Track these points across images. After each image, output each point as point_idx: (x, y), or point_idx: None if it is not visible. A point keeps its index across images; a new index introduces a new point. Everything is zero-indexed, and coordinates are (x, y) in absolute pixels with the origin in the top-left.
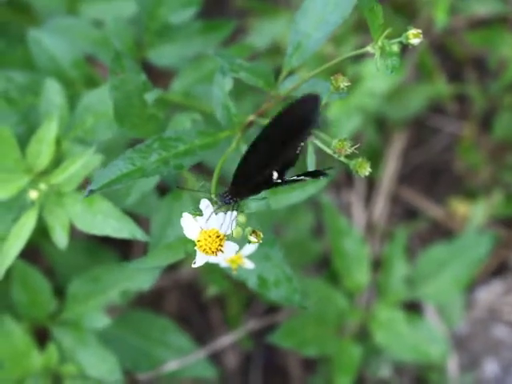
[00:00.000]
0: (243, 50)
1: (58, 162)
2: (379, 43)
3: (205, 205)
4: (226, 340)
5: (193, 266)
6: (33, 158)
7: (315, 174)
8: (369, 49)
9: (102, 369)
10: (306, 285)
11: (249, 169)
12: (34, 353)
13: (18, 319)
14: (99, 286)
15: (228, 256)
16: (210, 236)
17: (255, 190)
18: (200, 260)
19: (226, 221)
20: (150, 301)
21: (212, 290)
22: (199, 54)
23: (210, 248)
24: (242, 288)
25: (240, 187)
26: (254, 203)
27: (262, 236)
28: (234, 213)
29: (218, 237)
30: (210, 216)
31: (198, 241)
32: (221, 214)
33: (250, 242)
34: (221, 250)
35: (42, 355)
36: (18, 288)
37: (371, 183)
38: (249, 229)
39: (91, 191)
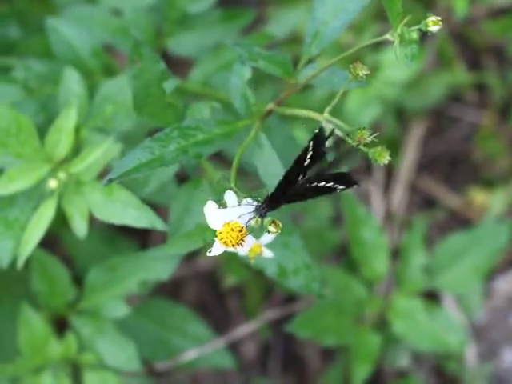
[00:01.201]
0: (262, 39)
1: (77, 151)
2: (398, 31)
3: (229, 197)
4: (244, 329)
5: (208, 254)
6: (52, 147)
7: (347, 182)
8: (388, 36)
9: (120, 358)
10: (324, 274)
11: (288, 186)
12: (52, 342)
13: (37, 308)
14: (117, 276)
15: (246, 248)
16: (232, 229)
17: (290, 201)
18: (216, 250)
19: (247, 211)
20: (169, 290)
21: (231, 280)
22: (218, 43)
23: (230, 241)
24: (260, 277)
25: (277, 202)
26: None
27: (281, 226)
28: (255, 203)
29: (240, 231)
30: (233, 208)
31: (220, 232)
32: (243, 206)
33: (269, 231)
34: (241, 244)
35: (61, 344)
36: (37, 277)
37: (390, 172)
38: (268, 219)
39: (110, 180)
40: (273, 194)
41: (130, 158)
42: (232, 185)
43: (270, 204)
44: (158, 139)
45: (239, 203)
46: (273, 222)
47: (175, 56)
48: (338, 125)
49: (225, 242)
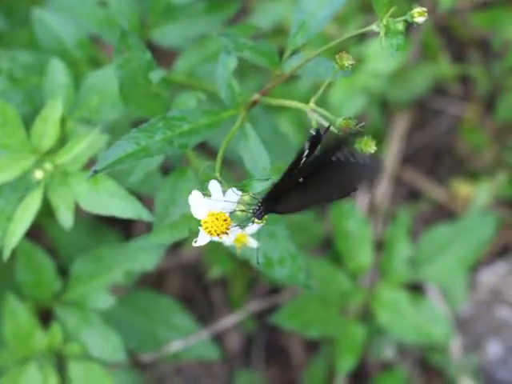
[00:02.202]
0: (247, 30)
1: (63, 142)
2: (384, 21)
3: (213, 186)
4: (228, 321)
5: (194, 244)
6: (38, 138)
7: (347, 189)
8: (374, 27)
9: (105, 349)
10: (309, 266)
11: (283, 188)
12: (37, 333)
13: (22, 299)
14: (102, 266)
15: (231, 237)
16: (217, 219)
17: (287, 204)
18: (202, 239)
19: (232, 200)
20: (154, 282)
21: (215, 271)
22: (203, 34)
23: (215, 230)
24: (245, 269)
25: (273, 204)
26: (258, 184)
27: (266, 216)
28: (240, 193)
29: (224, 220)
30: (218, 198)
31: (205, 222)
32: (227, 196)
33: (254, 222)
34: (226, 233)
35: (46, 335)
36: (22, 268)
37: None
38: (246, 196)
39: (96, 171)
40: (269, 195)
41: (116, 148)
42: (217, 174)
43: (266, 206)
44: (143, 130)
45: (224, 193)
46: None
47: (160, 47)
48: (324, 115)
49: (209, 232)
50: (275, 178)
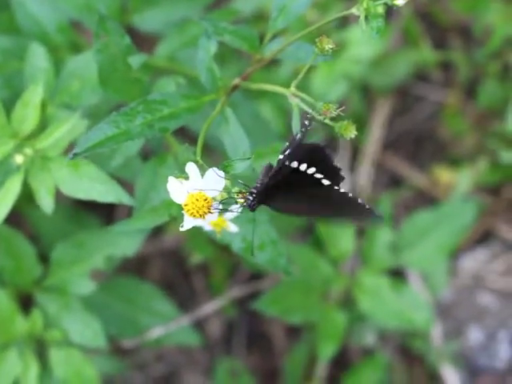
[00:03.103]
0: (227, 15)
1: (43, 127)
2: (364, 5)
3: (191, 168)
4: (209, 307)
5: (180, 229)
6: (18, 123)
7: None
8: (354, 11)
9: (86, 335)
10: (290, 252)
11: (278, 186)
12: (18, 319)
13: (2, 285)
14: (83, 252)
15: (214, 218)
16: (197, 199)
17: (279, 203)
18: (187, 223)
19: (212, 181)
20: (134, 268)
21: (196, 257)
22: (184, 19)
23: (197, 211)
24: (226, 255)
25: (266, 198)
26: (239, 164)
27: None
28: (220, 173)
29: (205, 200)
30: (196, 179)
31: (185, 205)
32: (207, 177)
33: (236, 202)
34: (208, 212)
35: (27, 321)
36: (3, 254)
37: (355, 151)
38: (236, 189)
39: (76, 154)
40: (264, 188)
41: (96, 132)
42: (198, 158)
43: (260, 199)
44: (123, 113)
45: (202, 175)
46: (240, 192)
47: (141, 32)
48: (305, 99)
49: (192, 214)
50: (272, 172)
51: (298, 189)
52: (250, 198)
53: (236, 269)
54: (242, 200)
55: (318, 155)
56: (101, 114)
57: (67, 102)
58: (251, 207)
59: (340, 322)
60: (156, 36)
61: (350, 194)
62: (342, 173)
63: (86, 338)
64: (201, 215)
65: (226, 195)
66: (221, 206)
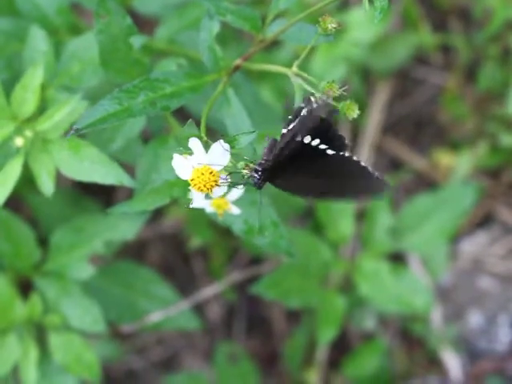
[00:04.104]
0: None
1: (43, 109)
2: None
3: (194, 143)
4: (209, 291)
5: (190, 206)
6: (18, 105)
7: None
8: None
9: (85, 320)
10: (290, 236)
11: (285, 163)
12: (17, 303)
13: (1, 270)
14: (83, 236)
15: (222, 192)
16: (202, 173)
17: (286, 182)
18: (196, 200)
19: (217, 156)
20: (134, 252)
21: (195, 241)
22: (184, 1)
23: (204, 185)
24: (225, 239)
25: (273, 176)
26: (243, 138)
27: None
28: (226, 145)
29: (211, 173)
30: (200, 154)
31: (192, 180)
32: (212, 151)
33: (243, 176)
34: (216, 185)
35: (26, 306)
36: (2, 238)
37: (355, 134)
38: (241, 163)
39: (77, 130)
40: (271, 166)
41: (98, 108)
42: (202, 135)
43: (266, 177)
44: (125, 90)
45: (207, 151)
46: (246, 165)
47: (140, 15)
48: (307, 79)
49: (199, 188)
50: (278, 147)
51: (306, 164)
52: (256, 175)
53: (236, 253)
54: (248, 173)
55: (324, 128)
56: (101, 96)
57: (67, 84)
58: (258, 185)
59: (339, 306)
60: (155, 19)
61: (363, 163)
62: (347, 141)
63: (86, 322)
64: (208, 189)
65: (232, 167)
66: (228, 178)
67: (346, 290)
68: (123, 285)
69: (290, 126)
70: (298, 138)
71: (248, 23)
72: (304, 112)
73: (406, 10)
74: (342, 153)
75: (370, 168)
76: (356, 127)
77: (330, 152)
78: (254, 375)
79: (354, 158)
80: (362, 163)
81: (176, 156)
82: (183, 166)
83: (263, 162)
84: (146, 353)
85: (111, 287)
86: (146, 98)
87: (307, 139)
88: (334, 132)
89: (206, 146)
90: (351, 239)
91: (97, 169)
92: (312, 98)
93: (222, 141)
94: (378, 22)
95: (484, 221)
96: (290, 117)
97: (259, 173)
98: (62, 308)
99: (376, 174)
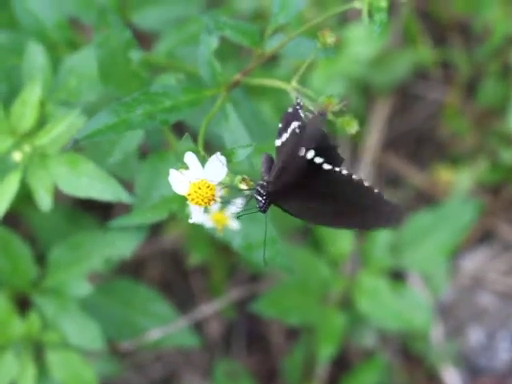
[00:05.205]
0: (226, 13)
1: (42, 124)
2: None
3: (190, 157)
4: (208, 309)
5: (189, 221)
6: (17, 120)
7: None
8: (356, 4)
9: (84, 337)
10: (289, 253)
11: (290, 185)
12: (15, 321)
13: None
14: (81, 253)
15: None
16: (199, 188)
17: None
18: (195, 215)
19: (213, 170)
20: (133, 269)
21: (195, 258)
22: (183, 16)
23: (202, 199)
24: (225, 256)
25: (277, 198)
26: (241, 151)
27: (252, 183)
28: (223, 159)
29: (208, 187)
30: (196, 168)
31: (189, 194)
32: (209, 165)
33: (240, 190)
34: (213, 199)
35: (24, 323)
36: None
37: (355, 150)
38: (238, 177)
39: (76, 141)
40: (275, 188)
41: (96, 120)
42: (200, 149)
43: (271, 199)
44: (124, 103)
45: (203, 166)
46: (243, 179)
47: (139, 30)
48: (306, 93)
49: (197, 202)
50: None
51: (311, 185)
52: (260, 198)
53: (235, 270)
54: (246, 187)
55: (325, 143)
56: (99, 111)
57: (65, 99)
58: (262, 209)
59: (339, 323)
60: (154, 34)
61: (367, 183)
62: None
63: (84, 340)
64: (206, 202)
65: (229, 181)
66: (225, 192)
67: (346, 306)
68: (122, 302)
69: (284, 138)
70: (301, 153)
71: (247, 38)
72: (298, 124)
73: (405, 25)
74: (349, 173)
75: (383, 195)
76: (356, 143)
77: (336, 169)
78: None
79: (366, 184)
80: (367, 184)
81: (172, 171)
82: (180, 180)
83: (265, 183)
84: (145, 370)
85: (110, 305)
86: (144, 111)
87: (310, 154)
88: (334, 147)
89: (204, 161)
90: (351, 256)
91: (95, 184)
92: (308, 114)
93: (219, 154)
94: (377, 36)
95: (484, 237)
96: (279, 125)
97: (264, 197)
98: (60, 325)
99: (391, 201)
